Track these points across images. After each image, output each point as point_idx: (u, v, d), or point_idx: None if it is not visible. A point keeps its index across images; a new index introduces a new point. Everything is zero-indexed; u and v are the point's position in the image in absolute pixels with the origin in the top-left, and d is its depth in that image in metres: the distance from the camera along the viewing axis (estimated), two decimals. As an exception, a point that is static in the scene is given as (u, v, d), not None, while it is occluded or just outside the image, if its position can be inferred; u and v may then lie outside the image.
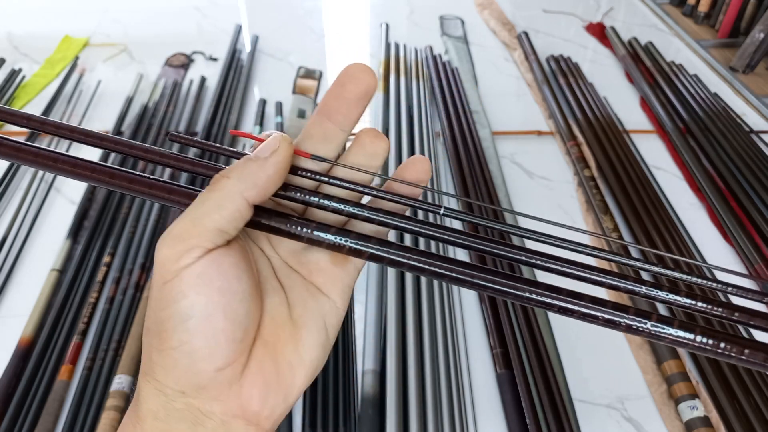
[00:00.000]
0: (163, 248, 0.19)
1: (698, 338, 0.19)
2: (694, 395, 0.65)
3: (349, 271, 0.24)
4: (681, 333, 0.19)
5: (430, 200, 0.89)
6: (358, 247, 0.21)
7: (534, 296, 0.21)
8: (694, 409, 0.63)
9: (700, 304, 0.21)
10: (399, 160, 0.95)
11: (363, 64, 0.22)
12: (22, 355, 0.67)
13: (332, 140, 0.23)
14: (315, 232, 0.21)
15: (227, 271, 0.20)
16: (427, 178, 0.25)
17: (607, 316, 0.20)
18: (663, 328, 0.19)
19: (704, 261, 0.83)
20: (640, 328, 0.20)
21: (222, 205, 0.20)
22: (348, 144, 0.24)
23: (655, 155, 1.05)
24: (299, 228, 0.21)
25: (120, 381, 0.63)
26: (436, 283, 0.76)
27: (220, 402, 0.20)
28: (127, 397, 0.63)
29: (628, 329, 0.20)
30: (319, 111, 0.23)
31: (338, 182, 0.22)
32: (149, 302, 0.20)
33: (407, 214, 0.23)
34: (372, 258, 0.21)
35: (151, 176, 0.22)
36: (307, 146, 0.23)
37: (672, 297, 0.21)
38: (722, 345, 0.19)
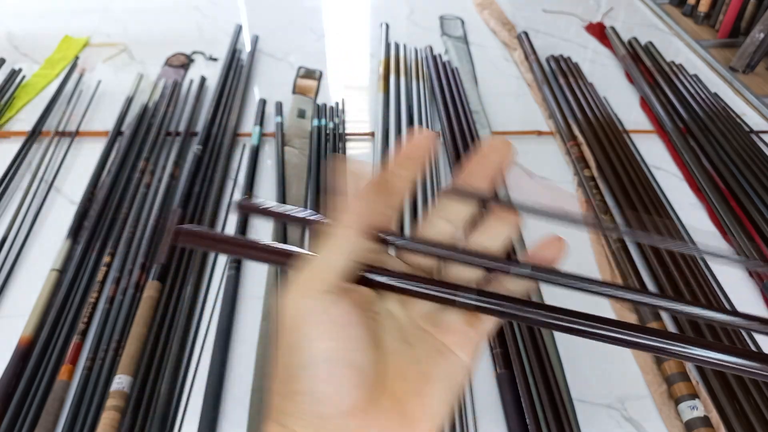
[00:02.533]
0: (289, 296, 0.20)
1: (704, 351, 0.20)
2: (694, 395, 0.65)
3: (481, 331, 0.23)
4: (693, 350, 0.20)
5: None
6: (493, 307, 0.22)
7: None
8: (694, 409, 0.63)
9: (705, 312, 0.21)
10: (399, 160, 0.95)
11: (503, 139, 0.24)
12: (22, 355, 0.67)
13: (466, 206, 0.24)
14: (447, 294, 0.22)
15: (347, 318, 0.20)
16: (561, 257, 0.26)
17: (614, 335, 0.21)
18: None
19: (705, 262, 0.83)
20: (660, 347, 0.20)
21: (337, 245, 0.21)
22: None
23: (655, 155, 1.05)
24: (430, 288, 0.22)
25: (120, 381, 0.63)
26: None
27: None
28: (127, 397, 0.63)
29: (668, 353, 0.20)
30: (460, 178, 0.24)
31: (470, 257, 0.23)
32: (278, 350, 0.21)
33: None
34: (505, 316, 0.22)
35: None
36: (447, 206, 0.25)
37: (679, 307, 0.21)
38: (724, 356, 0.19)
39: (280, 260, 0.23)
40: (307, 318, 0.20)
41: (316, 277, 0.21)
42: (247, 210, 0.25)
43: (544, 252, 0.25)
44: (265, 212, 0.25)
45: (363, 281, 0.22)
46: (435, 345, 0.22)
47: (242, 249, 0.24)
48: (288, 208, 0.25)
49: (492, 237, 0.25)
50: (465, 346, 0.23)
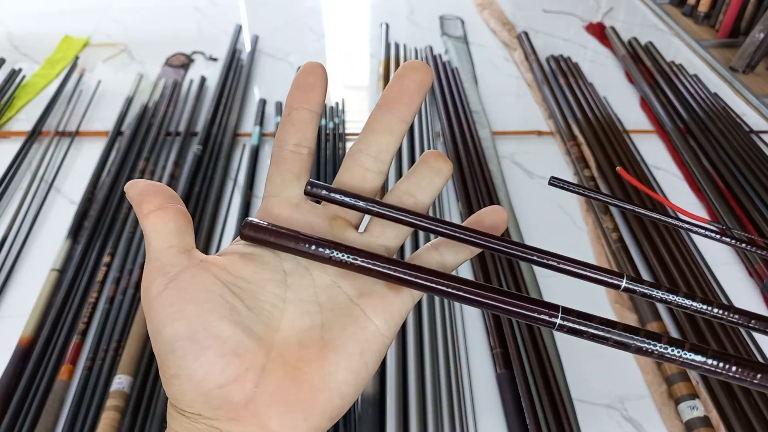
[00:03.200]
0: (143, 284, 0.21)
1: (709, 361, 0.19)
2: (694, 395, 0.65)
3: (404, 299, 0.22)
4: (691, 356, 0.19)
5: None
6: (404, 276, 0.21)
7: (543, 317, 0.21)
8: (694, 409, 0.63)
9: (699, 305, 0.21)
10: (399, 160, 0.95)
11: (419, 60, 0.23)
12: (22, 355, 0.67)
13: (394, 131, 0.23)
14: (319, 249, 0.21)
15: (198, 291, 0.20)
16: (504, 228, 0.24)
17: (616, 338, 0.20)
18: (673, 351, 0.19)
19: (705, 261, 0.83)
20: (650, 350, 0.19)
21: (160, 227, 0.21)
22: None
23: (655, 155, 1.05)
24: (314, 247, 0.21)
25: (120, 381, 0.63)
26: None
27: (238, 422, 0.19)
28: (127, 397, 0.63)
29: (638, 351, 0.20)
30: (380, 104, 0.23)
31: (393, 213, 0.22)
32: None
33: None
34: (402, 282, 0.21)
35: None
36: (371, 139, 0.23)
37: (671, 297, 0.21)
38: (734, 368, 0.19)
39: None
40: (153, 304, 0.20)
41: (150, 264, 0.21)
42: (316, 196, 0.23)
43: (485, 219, 0.24)
44: (335, 200, 0.22)
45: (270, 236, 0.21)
46: (349, 308, 0.22)
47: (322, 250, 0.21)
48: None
49: (422, 187, 0.24)
50: (382, 312, 0.22)
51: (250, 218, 0.22)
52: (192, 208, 0.86)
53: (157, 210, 0.21)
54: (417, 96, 0.23)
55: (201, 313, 0.20)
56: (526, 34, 1.35)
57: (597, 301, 0.78)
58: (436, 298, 0.74)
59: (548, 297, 0.77)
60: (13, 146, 0.98)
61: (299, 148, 0.23)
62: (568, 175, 1.00)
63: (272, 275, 0.22)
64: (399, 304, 0.22)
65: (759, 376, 0.18)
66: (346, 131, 1.06)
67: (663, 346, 0.19)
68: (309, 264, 0.23)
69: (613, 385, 0.69)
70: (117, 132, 1.01)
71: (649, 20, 1.55)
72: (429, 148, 0.99)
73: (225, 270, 0.21)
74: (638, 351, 0.20)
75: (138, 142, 0.98)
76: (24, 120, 1.06)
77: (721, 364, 0.19)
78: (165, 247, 0.21)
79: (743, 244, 0.23)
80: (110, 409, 0.61)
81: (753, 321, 0.21)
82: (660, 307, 0.76)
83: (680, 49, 1.42)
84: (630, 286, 0.21)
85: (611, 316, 0.77)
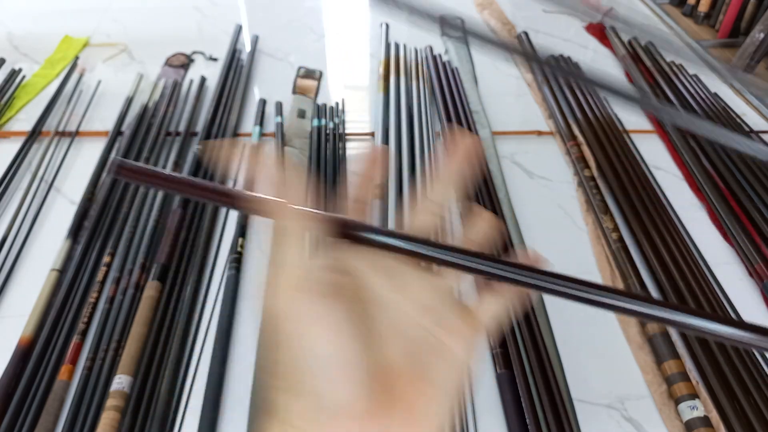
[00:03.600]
0: (276, 297, 0.21)
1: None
2: (694, 395, 0.65)
3: (479, 327, 0.24)
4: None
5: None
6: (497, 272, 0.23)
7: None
8: (694, 409, 0.63)
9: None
10: (399, 160, 0.95)
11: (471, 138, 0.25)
12: (22, 355, 0.67)
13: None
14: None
15: (343, 314, 0.20)
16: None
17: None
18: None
19: (705, 261, 0.83)
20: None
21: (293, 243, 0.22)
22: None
23: (655, 155, 1.05)
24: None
25: (120, 381, 0.63)
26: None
27: None
28: (127, 397, 0.63)
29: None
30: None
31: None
32: (271, 346, 0.20)
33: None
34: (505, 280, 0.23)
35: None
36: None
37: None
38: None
39: (225, 201, 0.24)
40: (303, 316, 0.20)
41: (296, 274, 0.21)
42: (129, 176, 0.24)
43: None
44: (152, 178, 0.24)
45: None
46: (431, 341, 0.22)
47: (184, 187, 0.24)
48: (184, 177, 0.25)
49: (475, 232, 0.26)
50: (462, 343, 0.22)
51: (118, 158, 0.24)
52: (192, 208, 0.86)
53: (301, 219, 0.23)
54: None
55: (349, 336, 0.21)
56: (526, 34, 1.35)
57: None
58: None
59: (549, 297, 0.77)
60: (13, 146, 0.98)
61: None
62: (568, 175, 1.00)
63: None
64: (475, 334, 0.24)
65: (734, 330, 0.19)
66: (346, 131, 1.06)
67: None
68: (383, 291, 0.23)
69: (613, 385, 0.69)
70: (117, 132, 1.01)
71: (649, 20, 1.55)
72: (429, 147, 0.99)
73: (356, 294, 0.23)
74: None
75: (138, 142, 0.98)
76: (24, 120, 1.06)
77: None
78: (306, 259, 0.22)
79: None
80: (110, 409, 0.61)
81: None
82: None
83: (680, 49, 1.42)
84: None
85: (611, 316, 0.77)
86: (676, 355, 0.69)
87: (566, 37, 1.43)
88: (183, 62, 1.24)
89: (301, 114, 1.09)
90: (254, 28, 1.39)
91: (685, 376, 0.66)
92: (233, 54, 1.23)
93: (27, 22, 1.39)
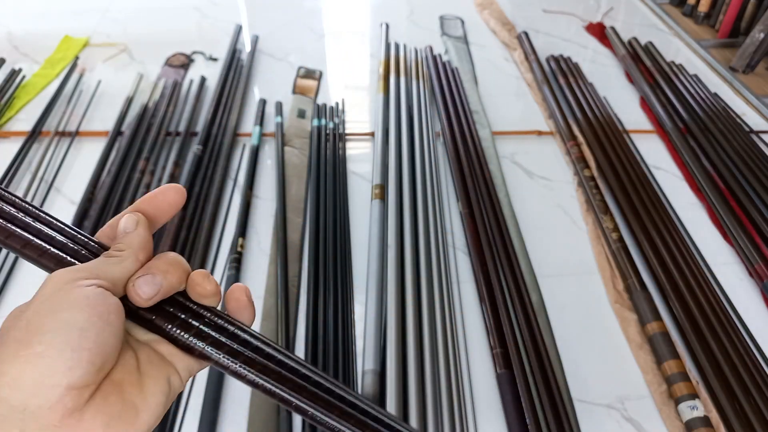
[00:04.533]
0: (61, 272, 0.23)
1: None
2: (694, 395, 0.65)
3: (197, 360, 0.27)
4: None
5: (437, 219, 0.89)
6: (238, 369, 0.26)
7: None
8: (694, 409, 0.63)
9: None
10: (399, 160, 0.95)
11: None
12: (22, 355, 0.67)
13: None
14: (207, 348, 0.25)
15: (111, 305, 0.23)
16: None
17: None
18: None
19: (705, 261, 0.83)
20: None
21: (120, 263, 0.25)
22: None
23: (655, 155, 1.05)
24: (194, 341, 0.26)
25: (120, 381, 0.63)
26: (435, 283, 0.76)
27: (55, 426, 0.21)
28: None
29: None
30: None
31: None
32: (23, 314, 0.22)
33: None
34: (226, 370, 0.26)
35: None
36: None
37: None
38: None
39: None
40: (76, 291, 0.22)
41: (96, 270, 0.24)
42: None
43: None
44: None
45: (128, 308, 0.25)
46: (154, 351, 0.26)
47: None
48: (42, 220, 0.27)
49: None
50: (180, 360, 0.26)
51: None
52: (192, 208, 0.86)
53: (135, 256, 0.27)
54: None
55: (103, 320, 0.23)
56: (526, 34, 1.35)
57: (597, 301, 0.78)
58: (437, 299, 0.74)
59: (549, 297, 0.77)
60: (13, 146, 0.98)
61: None
62: (568, 175, 1.00)
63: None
64: (194, 363, 0.27)
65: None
66: (346, 131, 1.06)
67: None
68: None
69: (613, 385, 0.69)
70: (117, 132, 1.01)
71: (649, 20, 1.55)
72: (429, 147, 0.99)
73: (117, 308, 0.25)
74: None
75: (138, 142, 0.98)
76: (24, 120, 1.06)
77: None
78: (118, 276, 0.25)
79: None
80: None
81: None
82: (660, 306, 0.76)
83: (680, 49, 1.42)
84: None
85: (611, 316, 0.77)
86: (676, 355, 0.69)
87: (566, 37, 1.43)
88: (183, 62, 1.24)
89: (301, 114, 1.09)
90: (254, 28, 1.39)
91: (685, 376, 0.66)
92: (233, 54, 1.23)
93: (27, 22, 1.39)
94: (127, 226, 0.27)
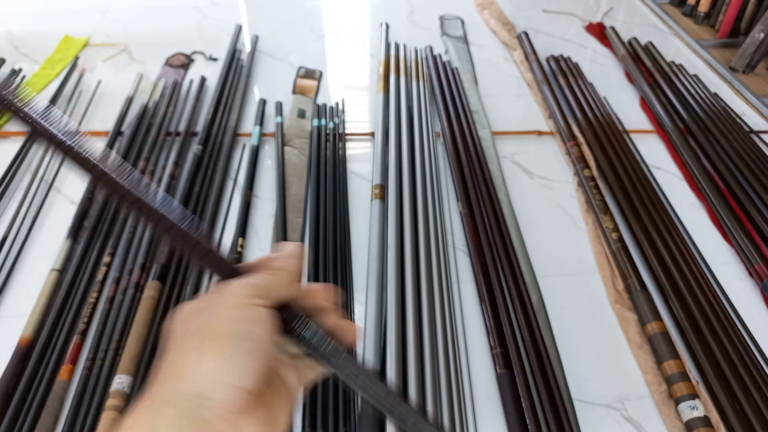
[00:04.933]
0: (239, 286, 0.26)
1: None
2: (694, 395, 0.65)
3: (304, 380, 0.29)
4: None
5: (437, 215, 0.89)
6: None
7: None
8: (694, 409, 0.63)
9: None
10: (399, 160, 0.95)
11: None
12: (22, 355, 0.67)
13: None
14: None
15: (275, 326, 0.26)
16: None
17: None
18: None
19: (705, 261, 0.83)
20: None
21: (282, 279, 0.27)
22: None
23: (655, 155, 1.05)
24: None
25: (120, 381, 0.63)
26: (435, 283, 0.76)
27: (223, 420, 0.23)
28: (127, 397, 0.63)
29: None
30: None
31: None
32: (202, 314, 0.25)
33: None
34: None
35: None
36: None
37: None
38: None
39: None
40: (257, 309, 0.25)
41: (266, 291, 0.26)
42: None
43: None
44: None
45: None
46: (291, 368, 0.29)
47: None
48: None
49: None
50: (299, 384, 0.29)
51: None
52: (192, 208, 0.86)
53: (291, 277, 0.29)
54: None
55: (263, 338, 0.26)
56: (526, 34, 1.35)
57: (597, 301, 0.78)
58: (437, 299, 0.74)
59: (549, 297, 0.77)
60: (13, 146, 0.98)
61: None
62: (568, 175, 1.00)
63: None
64: (301, 383, 0.29)
65: None
66: (346, 131, 1.06)
67: None
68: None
69: (613, 385, 0.69)
70: (117, 132, 1.01)
71: (649, 20, 1.55)
72: (429, 147, 0.99)
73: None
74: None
75: (138, 142, 0.98)
76: (24, 120, 1.06)
77: None
78: (282, 293, 0.28)
79: None
80: (110, 409, 0.61)
81: None
82: (660, 306, 0.76)
83: (680, 49, 1.42)
84: None
85: (611, 316, 0.77)
86: (676, 355, 0.69)
87: (566, 37, 1.43)
88: (183, 62, 1.24)
89: (301, 114, 1.09)
90: (254, 28, 1.39)
91: (685, 376, 0.66)
92: (233, 54, 1.23)
93: (27, 22, 1.39)
94: (294, 252, 0.29)
